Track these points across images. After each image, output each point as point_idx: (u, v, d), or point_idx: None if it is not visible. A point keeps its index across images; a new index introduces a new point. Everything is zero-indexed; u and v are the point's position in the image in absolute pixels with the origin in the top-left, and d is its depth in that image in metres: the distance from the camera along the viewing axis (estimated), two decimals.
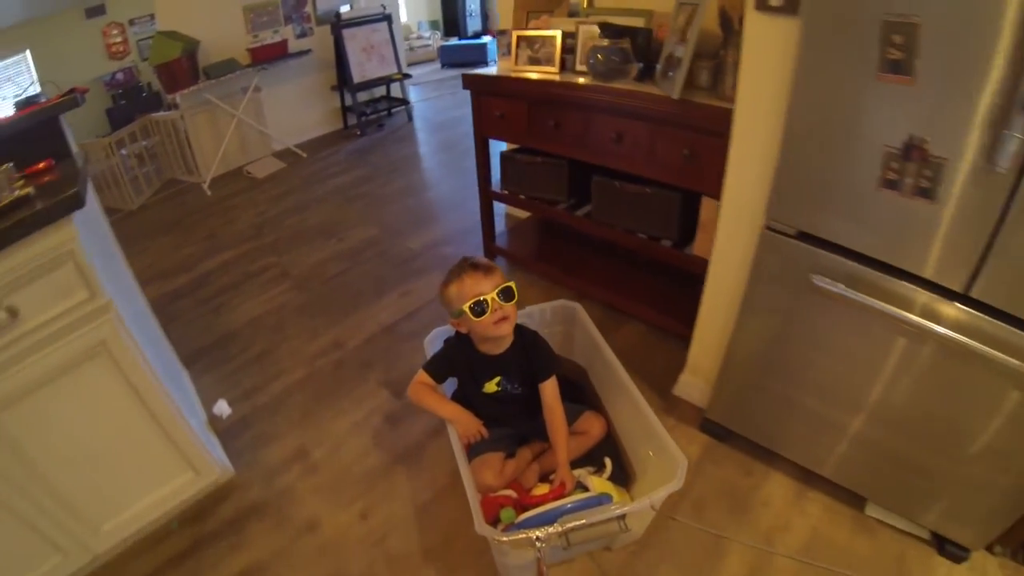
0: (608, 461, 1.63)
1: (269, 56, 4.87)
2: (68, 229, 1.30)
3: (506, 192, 2.74)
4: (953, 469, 1.39)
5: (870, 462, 1.55)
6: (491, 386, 1.63)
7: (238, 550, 1.71)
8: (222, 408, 2.21)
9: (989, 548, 1.57)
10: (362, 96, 5.68)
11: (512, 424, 1.70)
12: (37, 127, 1.63)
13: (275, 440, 2.09)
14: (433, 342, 1.82)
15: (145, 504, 1.68)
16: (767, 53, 1.30)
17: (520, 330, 1.61)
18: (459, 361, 1.63)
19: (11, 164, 1.42)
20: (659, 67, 1.94)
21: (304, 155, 5.27)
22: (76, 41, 6.16)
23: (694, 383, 1.99)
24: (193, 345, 2.62)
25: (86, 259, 1.34)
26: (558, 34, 2.24)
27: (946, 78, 1.01)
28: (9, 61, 5.69)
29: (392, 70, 5.59)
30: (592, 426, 1.71)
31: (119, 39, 6.28)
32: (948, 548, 1.54)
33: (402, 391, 2.22)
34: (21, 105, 2.21)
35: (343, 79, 5.46)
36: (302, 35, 5.43)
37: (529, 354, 1.60)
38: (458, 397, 1.72)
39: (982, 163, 1.02)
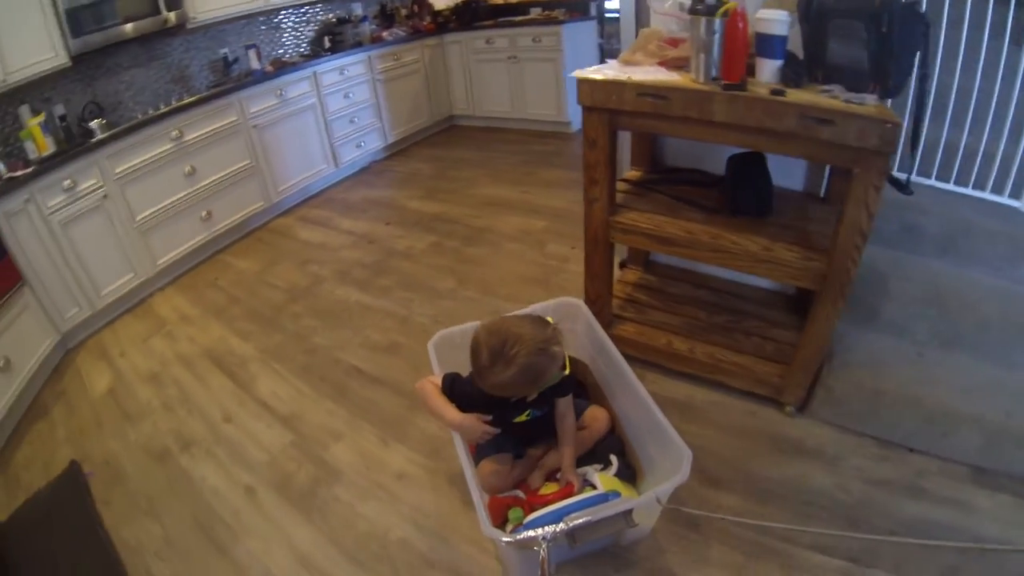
0: (613, 458, 1.60)
1: None
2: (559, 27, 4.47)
3: None
4: None
5: None
6: (521, 417, 1.55)
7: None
8: None
9: None
10: None
11: (532, 441, 1.67)
12: None
13: None
14: (438, 346, 1.76)
15: None
16: None
17: None
18: (484, 404, 1.48)
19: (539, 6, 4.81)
20: None
21: None
22: None
23: None
24: None
25: (563, 38, 4.45)
26: None
27: None
28: None
29: None
30: (596, 420, 1.68)
31: None
32: None
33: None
34: None
35: None
36: None
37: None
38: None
39: None
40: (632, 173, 2.14)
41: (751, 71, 1.51)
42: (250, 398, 2.27)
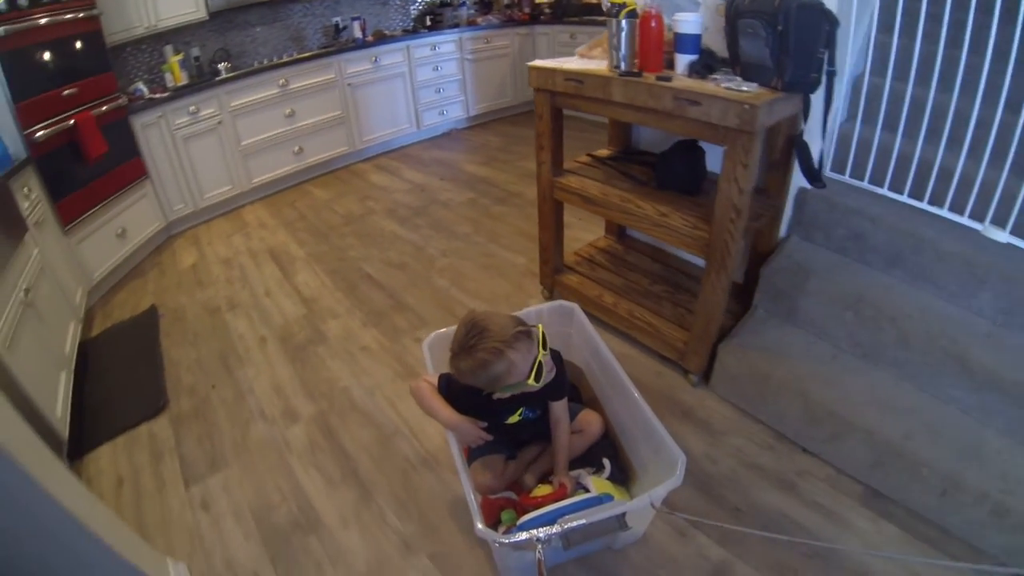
0: (606, 461, 1.61)
1: None
2: None
3: None
4: None
5: None
6: (513, 418, 1.57)
7: None
8: None
9: None
10: None
11: (525, 443, 1.69)
12: None
13: None
14: (433, 346, 1.73)
15: None
16: None
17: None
18: (478, 404, 1.49)
19: None
20: None
21: None
22: None
23: None
24: None
25: None
26: None
27: None
28: None
29: None
30: (590, 423, 1.69)
31: None
32: None
33: None
34: None
35: None
36: None
37: (554, 379, 1.47)
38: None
39: None
40: (602, 151, 2.52)
41: (671, 64, 1.83)
42: (288, 283, 2.96)
